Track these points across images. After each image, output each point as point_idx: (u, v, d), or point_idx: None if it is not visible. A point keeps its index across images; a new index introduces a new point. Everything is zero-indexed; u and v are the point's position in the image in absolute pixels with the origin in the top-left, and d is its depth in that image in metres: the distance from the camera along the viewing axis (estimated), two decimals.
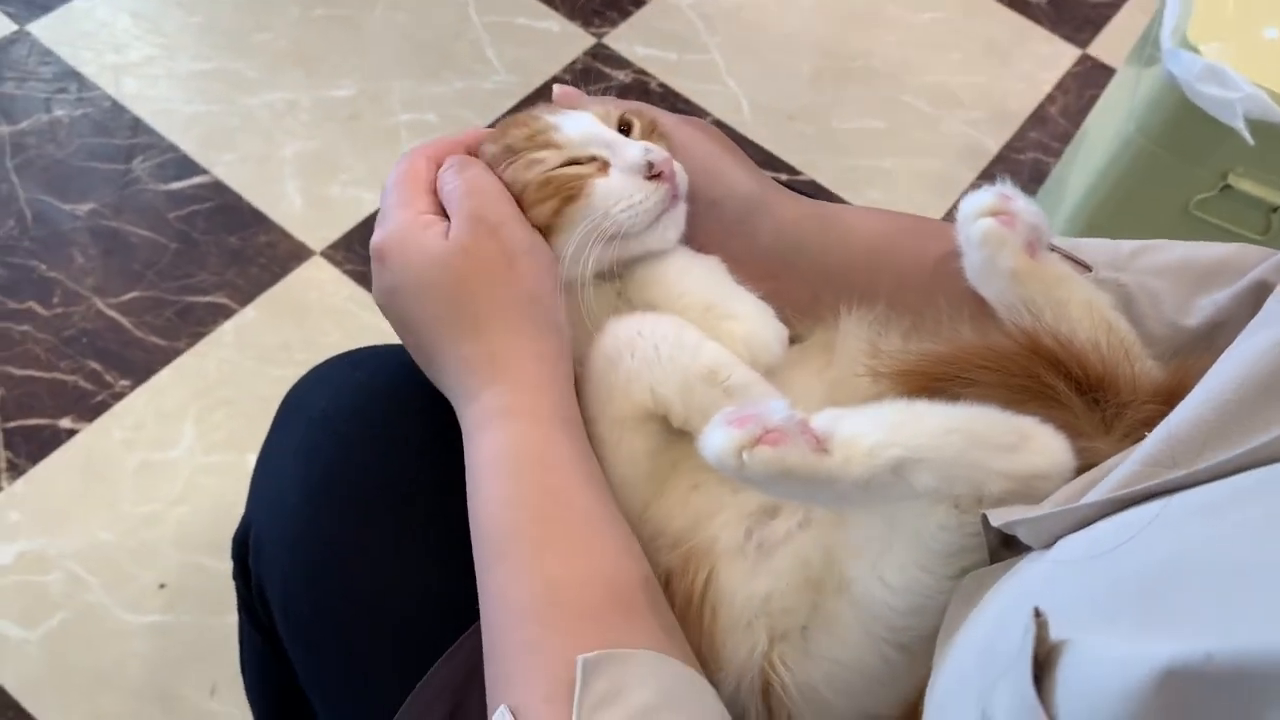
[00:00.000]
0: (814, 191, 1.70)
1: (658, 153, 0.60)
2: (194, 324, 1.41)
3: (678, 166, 0.61)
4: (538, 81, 1.71)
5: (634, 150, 0.60)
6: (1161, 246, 0.62)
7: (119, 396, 1.34)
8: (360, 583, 0.62)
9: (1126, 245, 0.62)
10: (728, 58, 1.81)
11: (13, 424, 1.30)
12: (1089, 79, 1.86)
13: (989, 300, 0.60)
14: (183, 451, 1.32)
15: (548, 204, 0.60)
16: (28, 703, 1.14)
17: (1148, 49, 1.31)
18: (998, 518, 0.45)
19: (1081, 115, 1.77)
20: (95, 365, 1.36)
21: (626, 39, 1.80)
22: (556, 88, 0.66)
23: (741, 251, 0.63)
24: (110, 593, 1.22)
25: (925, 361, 0.56)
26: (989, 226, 0.58)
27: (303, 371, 0.73)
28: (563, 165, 0.60)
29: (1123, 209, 1.28)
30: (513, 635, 0.50)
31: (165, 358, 1.38)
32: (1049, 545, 0.42)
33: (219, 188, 1.53)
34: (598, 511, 0.54)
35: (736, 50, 1.82)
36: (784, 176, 1.69)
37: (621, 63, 1.77)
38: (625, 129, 0.63)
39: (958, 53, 1.87)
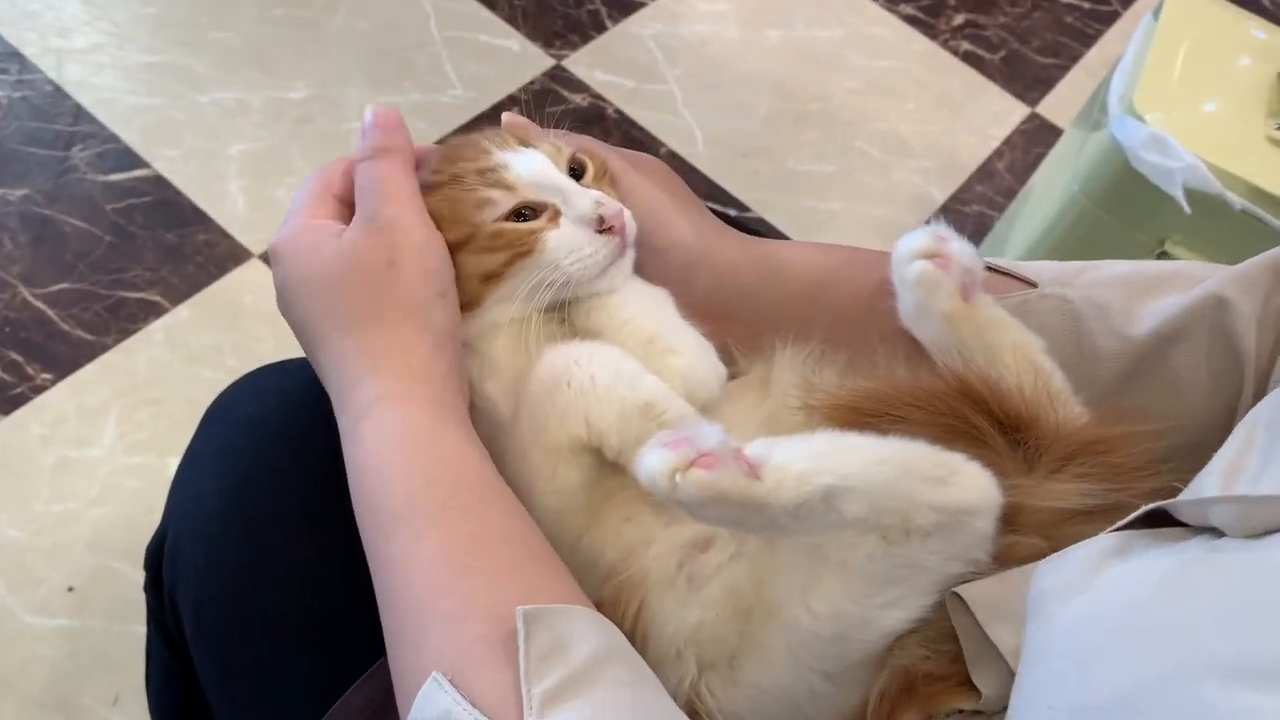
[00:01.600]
0: (763, 229, 1.71)
1: (610, 205, 0.60)
2: (124, 320, 1.37)
3: (627, 216, 0.61)
4: (494, 99, 1.71)
5: (586, 202, 0.60)
6: (1108, 264, 0.62)
7: (39, 390, 1.30)
8: (277, 595, 0.60)
9: (1072, 264, 0.63)
10: (686, 90, 1.82)
11: None
12: (1036, 137, 1.90)
13: (921, 341, 0.60)
14: (103, 451, 1.28)
15: (498, 255, 0.59)
16: None
17: (1094, 113, 1.34)
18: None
19: (1027, 172, 1.80)
20: (16, 356, 1.32)
21: (586, 63, 1.80)
22: (506, 116, 0.65)
23: (684, 298, 0.63)
24: (16, 593, 1.17)
25: (857, 397, 0.57)
26: (923, 270, 0.58)
27: (234, 376, 0.72)
28: (514, 210, 0.60)
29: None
30: (426, 592, 0.48)
31: (91, 353, 1.34)
32: (1257, 535, 0.40)
33: (160, 182, 1.50)
34: (499, 485, 0.53)
35: (695, 84, 1.83)
36: (733, 212, 1.70)
37: (579, 86, 1.77)
38: (577, 171, 0.63)
39: (912, 103, 1.90)
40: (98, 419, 1.30)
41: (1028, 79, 1.99)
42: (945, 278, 0.58)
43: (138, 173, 1.50)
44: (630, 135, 1.74)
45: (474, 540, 0.49)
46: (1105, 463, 0.53)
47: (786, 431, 0.60)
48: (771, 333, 0.63)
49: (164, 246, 1.44)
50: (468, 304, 0.59)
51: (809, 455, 0.48)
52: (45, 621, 1.16)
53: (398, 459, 0.52)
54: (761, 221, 1.70)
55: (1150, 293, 0.60)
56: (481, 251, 0.59)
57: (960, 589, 0.48)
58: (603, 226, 0.59)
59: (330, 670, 0.58)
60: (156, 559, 0.68)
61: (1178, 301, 0.58)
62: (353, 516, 0.53)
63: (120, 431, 1.29)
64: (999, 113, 1.93)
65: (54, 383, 1.31)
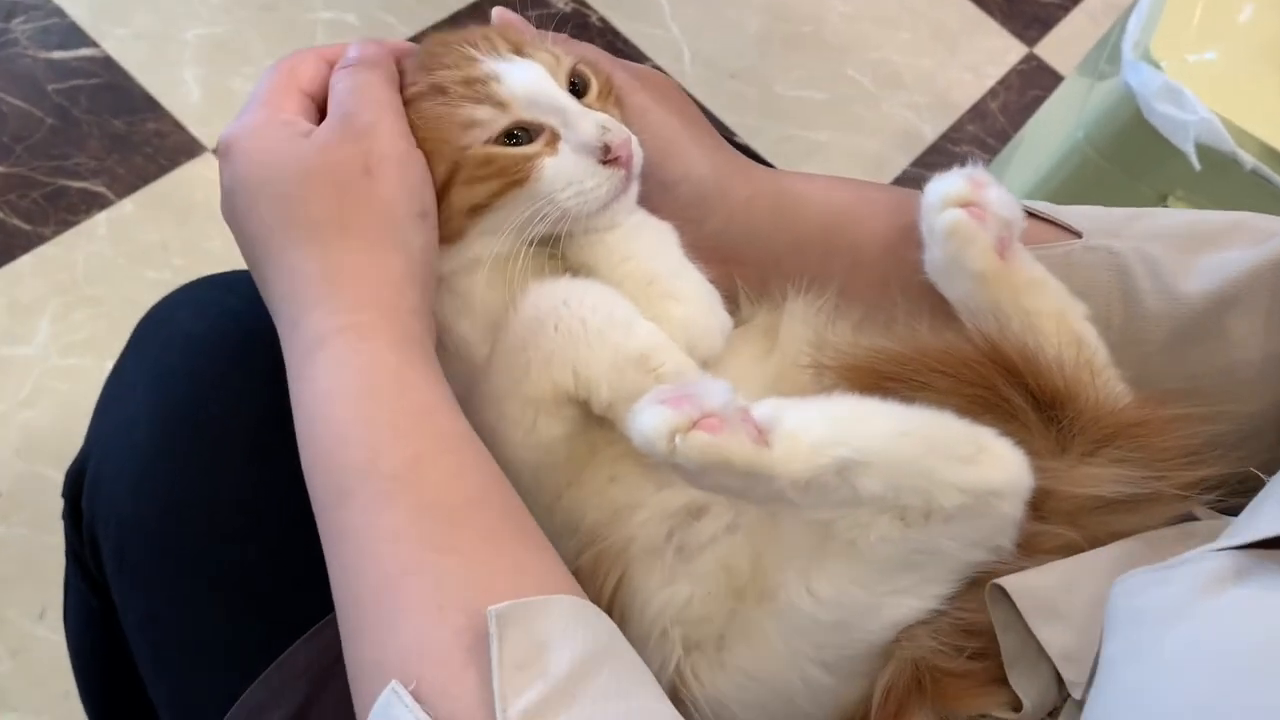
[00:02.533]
0: (748, 157, 1.64)
1: (617, 132, 0.52)
2: (64, 211, 1.28)
3: (635, 145, 0.54)
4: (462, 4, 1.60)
5: (589, 126, 0.52)
6: (1164, 212, 0.56)
7: None
8: (211, 542, 0.54)
9: (1119, 211, 0.57)
10: (674, 3, 1.73)
11: None
12: (1032, 78, 1.83)
13: (949, 298, 0.54)
14: (36, 350, 1.20)
15: (487, 184, 0.52)
16: None
17: (1102, 60, 1.28)
18: None
19: (1021, 114, 1.74)
20: None
21: None
22: (497, 12, 0.57)
23: (690, 237, 0.56)
24: None
25: (876, 359, 0.51)
26: (956, 220, 0.52)
27: (181, 278, 0.64)
28: (505, 131, 0.52)
29: None
30: (387, 566, 0.41)
31: (27, 244, 1.25)
32: None
33: (108, 64, 1.39)
34: (474, 440, 0.47)
35: None
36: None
37: None
38: (578, 86, 0.55)
39: (907, 33, 1.82)
40: (31, 316, 1.21)
41: (1027, 17, 1.91)
42: (980, 231, 0.52)
43: (84, 51, 1.39)
44: (613, 47, 1.65)
45: (447, 509, 0.42)
46: (1146, 447, 0.48)
47: (794, 391, 0.54)
48: (782, 277, 0.57)
49: (110, 134, 1.34)
50: (447, 236, 0.52)
51: (824, 422, 0.43)
52: None
53: (357, 404, 0.45)
54: (746, 149, 1.63)
55: (1211, 245, 0.53)
56: (468, 181, 0.52)
57: (1003, 580, 0.43)
58: (607, 157, 0.52)
59: (268, 628, 0.53)
60: (76, 487, 0.61)
61: (1241, 259, 0.52)
62: (296, 454, 0.47)
63: (55, 331, 1.21)
64: (996, 50, 1.86)
65: None
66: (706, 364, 0.53)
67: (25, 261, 1.24)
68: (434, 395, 0.46)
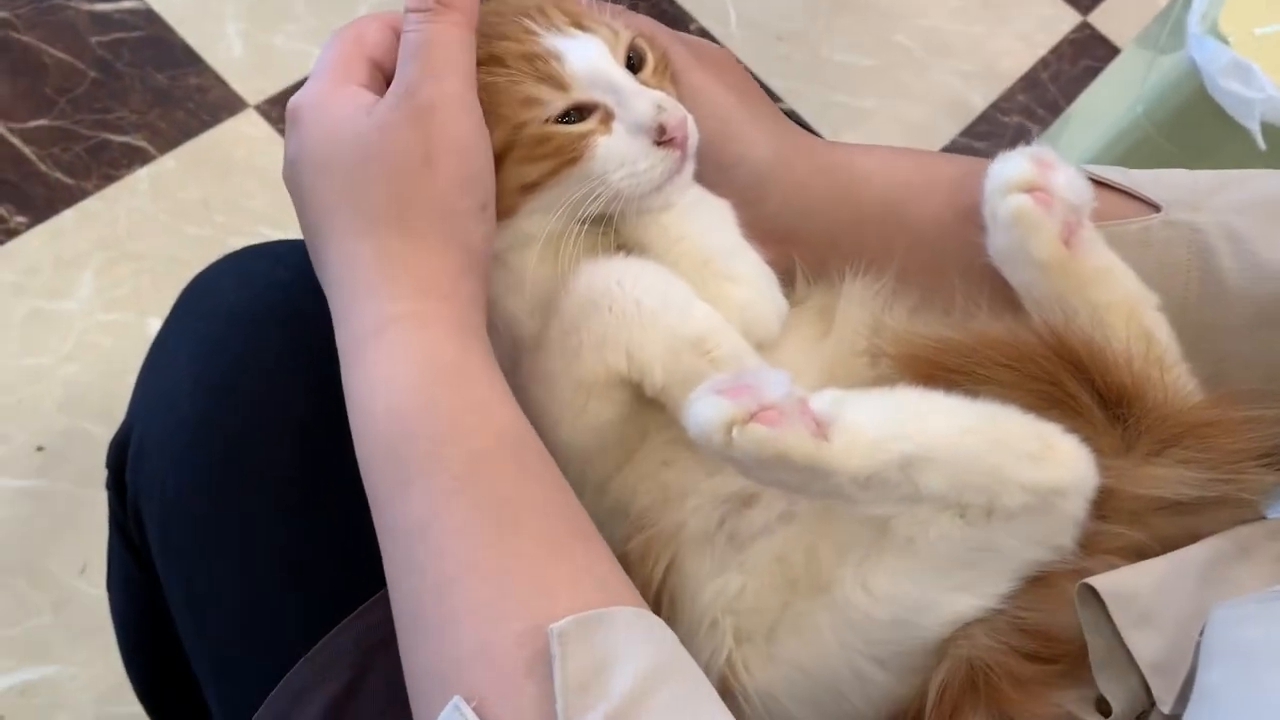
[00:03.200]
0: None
1: (673, 112, 0.51)
2: (106, 165, 1.28)
3: (691, 125, 0.52)
4: None
5: (645, 106, 0.51)
6: (1250, 178, 0.53)
7: (13, 234, 1.22)
8: (255, 522, 0.53)
9: (1205, 177, 0.54)
10: None
11: None
12: (1085, 48, 1.79)
13: (1012, 284, 0.53)
14: (78, 304, 1.20)
15: (542, 164, 0.50)
16: None
17: (1165, 31, 1.24)
18: None
19: (1073, 85, 1.70)
20: None
21: None
22: None
23: (747, 217, 0.54)
24: None
25: (937, 349, 0.50)
26: (1020, 206, 0.50)
27: (221, 234, 0.64)
28: (565, 110, 0.51)
29: None
30: (448, 566, 0.40)
31: (70, 198, 1.25)
32: None
33: (151, 17, 1.38)
34: (533, 437, 0.46)
35: None
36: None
37: None
38: (634, 61, 0.53)
39: (957, 0, 1.78)
40: (74, 270, 1.22)
41: None
42: (1046, 218, 0.50)
43: (127, 4, 1.38)
44: (659, 6, 1.63)
45: (509, 509, 0.41)
46: (1215, 448, 0.46)
47: (849, 378, 0.54)
48: (841, 257, 0.56)
49: (153, 88, 1.34)
50: (499, 213, 0.51)
51: (887, 416, 0.42)
52: (10, 481, 1.11)
53: (417, 394, 0.44)
54: (792, 114, 1.60)
55: None
56: (521, 160, 0.50)
57: (1094, 580, 0.42)
58: (662, 138, 0.50)
59: (313, 608, 0.52)
60: (120, 458, 0.61)
61: None
62: (349, 436, 0.46)
63: (98, 285, 1.22)
64: (1048, 18, 1.81)
65: (29, 227, 1.23)
66: (761, 347, 0.52)
67: (68, 216, 1.24)
68: (493, 389, 0.45)
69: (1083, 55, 1.77)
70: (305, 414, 0.55)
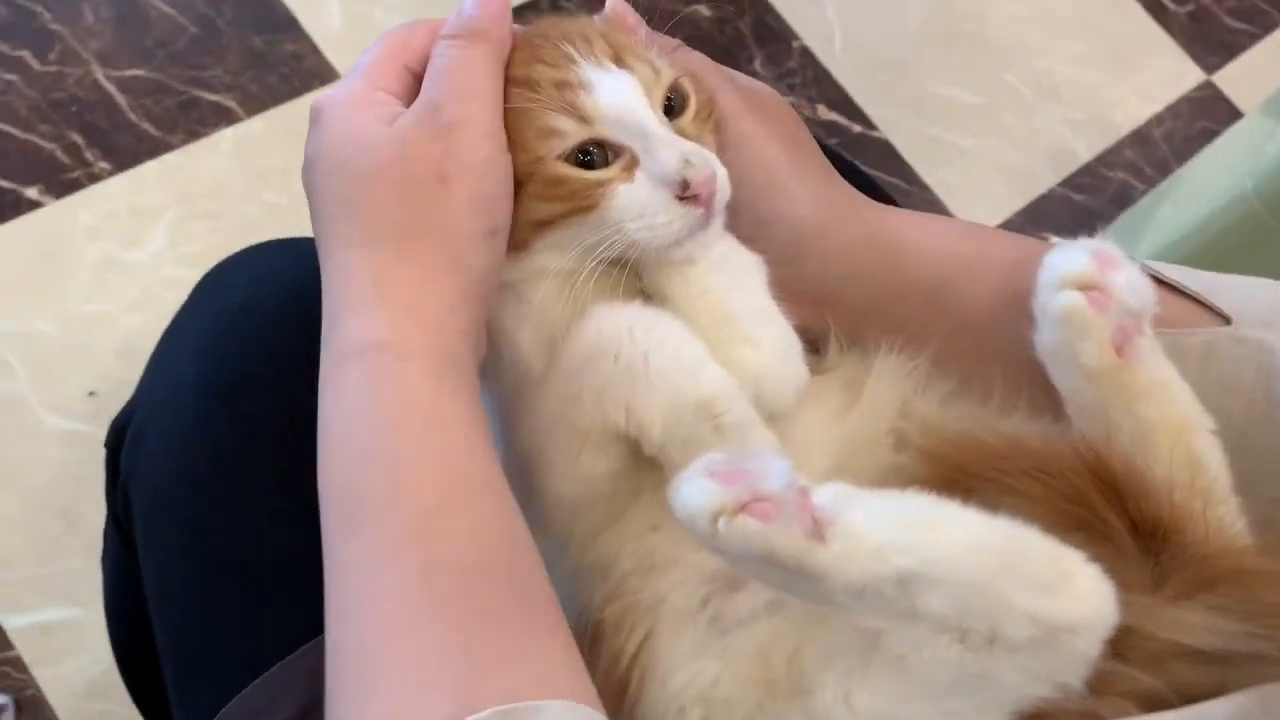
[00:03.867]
0: (885, 155, 1.57)
1: (699, 167, 0.48)
2: (194, 121, 1.29)
3: (721, 180, 0.49)
4: None
5: (671, 158, 0.48)
6: None
7: (96, 179, 1.24)
8: (238, 525, 0.53)
9: None
10: None
11: None
12: (1205, 108, 1.71)
13: (1056, 385, 0.49)
14: (150, 256, 1.22)
15: (556, 205, 0.48)
16: None
17: None
18: None
19: (1186, 146, 1.63)
20: (78, 138, 1.25)
21: None
22: (612, 5, 0.53)
23: (782, 275, 0.52)
24: (36, 388, 1.13)
25: (963, 449, 0.47)
26: (1072, 306, 0.46)
27: (297, 206, 0.62)
28: (580, 147, 0.48)
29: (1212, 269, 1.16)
30: (379, 624, 0.39)
31: (154, 150, 1.27)
32: None
33: None
34: (497, 488, 0.44)
35: None
36: (857, 128, 1.56)
37: None
38: (674, 103, 0.51)
39: (1077, 44, 1.71)
40: (150, 221, 1.23)
41: (1211, 41, 1.78)
42: (1100, 321, 0.46)
43: None
44: (763, 19, 1.59)
45: (456, 572, 0.39)
46: (1255, 599, 0.42)
47: (866, 461, 0.51)
48: (878, 328, 0.53)
49: (249, 50, 1.35)
50: (513, 245, 0.49)
51: (893, 523, 0.39)
52: (61, 422, 1.13)
53: (384, 433, 0.42)
54: (885, 144, 1.56)
55: None
56: (538, 197, 0.48)
57: None
58: (685, 193, 0.48)
59: (282, 625, 0.51)
60: (118, 440, 0.60)
61: None
62: None
63: (171, 239, 1.23)
64: (1170, 73, 1.73)
65: (112, 173, 1.25)
66: (776, 416, 0.49)
67: (150, 167, 1.26)
68: (465, 435, 0.43)
69: (1201, 116, 1.70)
70: (305, 423, 0.54)
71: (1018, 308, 0.49)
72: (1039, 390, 0.50)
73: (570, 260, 0.49)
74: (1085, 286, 0.46)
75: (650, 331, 0.47)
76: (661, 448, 0.46)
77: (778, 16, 1.61)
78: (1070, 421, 0.49)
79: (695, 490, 0.38)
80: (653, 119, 0.49)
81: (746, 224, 0.52)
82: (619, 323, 0.47)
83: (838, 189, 0.54)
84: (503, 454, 0.51)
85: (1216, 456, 0.47)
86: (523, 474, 0.49)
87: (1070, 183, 1.59)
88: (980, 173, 1.56)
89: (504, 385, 0.50)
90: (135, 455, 0.58)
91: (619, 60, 0.50)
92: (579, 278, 0.48)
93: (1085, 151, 1.62)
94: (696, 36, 1.53)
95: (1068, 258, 0.47)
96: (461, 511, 0.41)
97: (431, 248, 0.45)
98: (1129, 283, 0.47)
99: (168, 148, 1.27)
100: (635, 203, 0.48)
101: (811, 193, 0.53)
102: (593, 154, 0.49)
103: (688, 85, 0.51)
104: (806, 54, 1.59)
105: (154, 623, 0.57)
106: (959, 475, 0.45)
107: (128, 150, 1.26)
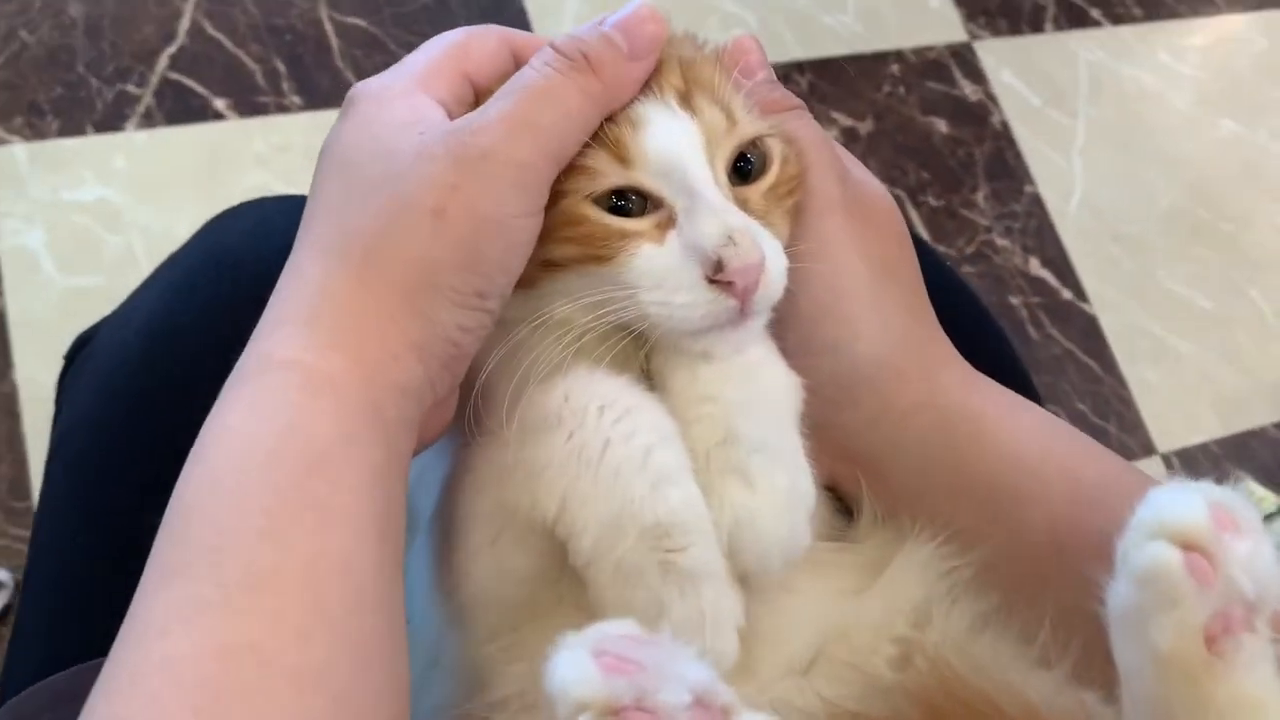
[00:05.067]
0: (1086, 331, 1.42)
1: (744, 249, 0.38)
2: None
3: (773, 273, 0.39)
4: (877, 46, 1.47)
5: (711, 228, 0.38)
6: None
7: (283, 109, 1.24)
8: (121, 482, 0.47)
9: None
10: (1091, 137, 1.52)
11: (174, 75, 1.22)
12: None
13: (1116, 659, 0.37)
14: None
15: (567, 247, 0.40)
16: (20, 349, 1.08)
17: None
18: None
19: None
20: (280, 67, 1.26)
21: (999, 55, 1.54)
22: (739, 40, 0.44)
23: (819, 419, 0.42)
24: None
25: (969, 708, 0.36)
26: (1163, 563, 0.34)
27: None
28: (613, 190, 0.40)
29: None
30: (140, 702, 0.30)
31: None
32: None
33: None
34: (355, 576, 0.34)
35: (1105, 135, 1.53)
36: (1066, 294, 1.42)
37: (977, 76, 1.51)
38: (748, 165, 0.41)
39: None
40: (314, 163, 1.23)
41: None
42: (1191, 595, 0.34)
43: None
44: (1001, 155, 1.48)
45: (259, 662, 0.30)
46: None
47: (852, 667, 0.40)
48: (922, 513, 0.42)
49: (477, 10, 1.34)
50: (520, 281, 0.40)
51: None
52: None
53: (250, 469, 0.34)
54: (1091, 321, 1.41)
55: None
56: (552, 233, 0.40)
57: None
58: (718, 275, 0.38)
59: (118, 618, 0.45)
60: (77, 351, 0.56)
61: None
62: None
63: None
64: None
65: (301, 109, 1.25)
66: (751, 578, 0.39)
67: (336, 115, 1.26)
68: (345, 501, 0.34)
69: None
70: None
71: (1095, 544, 0.38)
72: (1097, 651, 0.38)
73: (573, 312, 0.40)
74: (1188, 545, 0.34)
75: (623, 417, 0.38)
76: (588, 566, 0.37)
77: (1018, 155, 1.49)
78: (1122, 710, 0.37)
79: (569, 666, 0.29)
80: (705, 175, 0.40)
81: (791, 344, 0.42)
82: (591, 395, 0.38)
83: (920, 337, 0.44)
84: (435, 502, 0.43)
85: None
86: (444, 531, 0.41)
87: None
88: (1188, 384, 1.39)
89: (464, 422, 0.42)
90: (76, 376, 0.54)
91: (686, 99, 0.41)
92: (576, 334, 0.40)
93: None
94: (924, 149, 1.43)
95: (1176, 499, 0.35)
96: (300, 590, 0.32)
97: (395, 282, 0.37)
98: (1252, 558, 0.34)
99: None
100: (656, 269, 0.39)
101: (880, 330, 0.43)
102: (630, 201, 0.40)
103: (774, 149, 0.42)
104: (1037, 202, 1.47)
105: (30, 555, 0.51)
106: None
107: (321, 91, 1.26)
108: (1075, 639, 0.38)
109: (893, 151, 1.42)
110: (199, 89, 1.22)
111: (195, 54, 1.23)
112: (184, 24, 1.24)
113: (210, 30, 1.25)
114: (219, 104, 1.22)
